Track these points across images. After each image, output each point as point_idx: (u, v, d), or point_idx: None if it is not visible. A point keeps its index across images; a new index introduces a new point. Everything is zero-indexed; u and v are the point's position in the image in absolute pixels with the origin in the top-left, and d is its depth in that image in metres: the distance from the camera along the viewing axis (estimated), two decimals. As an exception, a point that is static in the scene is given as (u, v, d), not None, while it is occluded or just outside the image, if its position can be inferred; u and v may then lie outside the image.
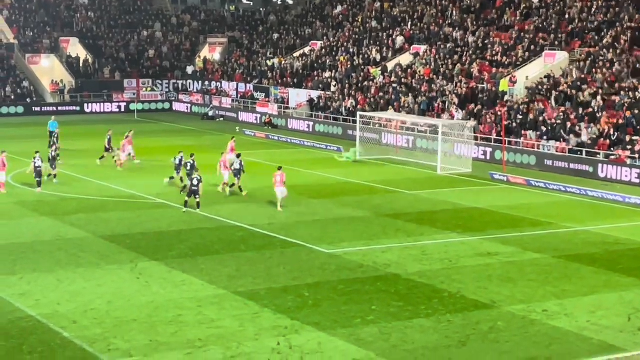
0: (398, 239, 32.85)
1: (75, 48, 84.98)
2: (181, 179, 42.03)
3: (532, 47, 61.51)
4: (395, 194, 42.42)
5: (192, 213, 36.63)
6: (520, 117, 53.30)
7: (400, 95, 62.45)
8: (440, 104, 59.16)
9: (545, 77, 57.30)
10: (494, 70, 60.82)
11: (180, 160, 42.16)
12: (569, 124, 50.18)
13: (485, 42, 65.36)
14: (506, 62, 61.30)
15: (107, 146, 49.92)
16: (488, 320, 23.50)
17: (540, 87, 56.22)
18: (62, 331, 22.10)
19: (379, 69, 68.81)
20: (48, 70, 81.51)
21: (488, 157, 52.05)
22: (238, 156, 41.24)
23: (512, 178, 45.67)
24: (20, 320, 22.92)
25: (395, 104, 61.68)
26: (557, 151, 49.61)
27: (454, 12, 71.84)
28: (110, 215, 36.20)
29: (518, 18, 66.19)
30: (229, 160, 41.73)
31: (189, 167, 40.37)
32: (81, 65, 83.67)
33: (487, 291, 26.20)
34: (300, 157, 52.52)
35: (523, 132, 52.24)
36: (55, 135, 51.50)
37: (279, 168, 38.76)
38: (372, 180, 45.78)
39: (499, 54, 62.64)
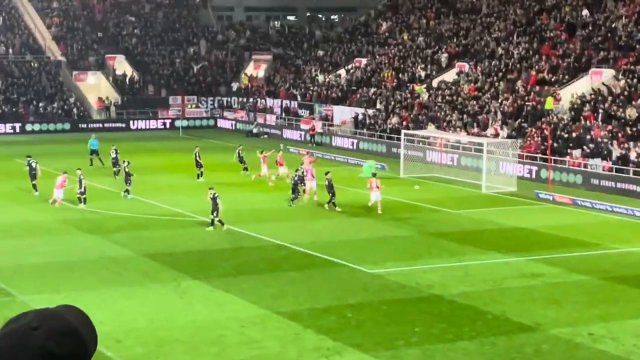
0: (441, 258, 32.63)
1: (121, 65, 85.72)
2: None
3: (578, 63, 60.99)
4: (439, 212, 42.17)
5: (234, 231, 36.65)
6: (566, 135, 52.83)
7: (445, 112, 62.20)
8: (485, 121, 58.83)
9: (591, 94, 56.77)
10: (539, 87, 60.39)
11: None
12: (615, 143, 49.64)
13: (531, 58, 64.93)
14: (552, 79, 60.85)
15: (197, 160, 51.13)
16: (532, 344, 23.23)
17: (586, 104, 55.69)
18: (106, 350, 22.15)
19: (424, 86, 68.63)
20: (94, 87, 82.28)
21: (533, 176, 51.61)
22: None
23: (558, 197, 45.22)
24: (63, 339, 23.00)
25: (439, 121, 61.44)
26: (603, 170, 49.08)
27: (500, 28, 71.53)
28: (153, 233, 36.34)
29: (564, 34, 65.69)
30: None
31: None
32: (127, 82, 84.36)
33: (532, 313, 25.91)
34: (343, 175, 52.29)
35: (569, 150, 51.76)
36: (114, 155, 51.59)
37: (374, 175, 43.57)
38: (415, 198, 45.55)
39: (545, 71, 62.19)
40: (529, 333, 24.09)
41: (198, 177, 50.01)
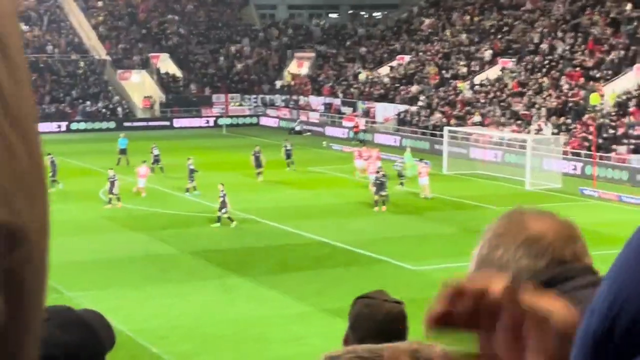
0: (485, 256, 32.48)
1: (165, 63, 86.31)
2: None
3: (623, 59, 60.53)
4: (483, 209, 42.02)
5: (278, 228, 36.85)
6: (612, 131, 52.44)
7: (488, 109, 62.00)
8: (529, 117, 58.55)
9: (636, 89, 56.30)
10: (584, 82, 59.98)
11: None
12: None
13: (576, 54, 64.51)
14: (597, 75, 60.41)
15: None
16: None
17: (631, 100, 55.25)
18: (152, 346, 22.43)
19: (467, 82, 68.44)
20: (138, 86, 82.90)
21: (578, 172, 51.29)
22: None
23: (603, 194, 44.91)
24: (110, 336, 23.28)
25: (483, 118, 61.26)
26: (649, 166, 48.72)
27: (543, 24, 71.14)
28: (198, 231, 36.62)
29: (609, 29, 65.20)
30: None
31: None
32: (171, 80, 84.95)
33: (577, 310, 25.78)
34: (387, 172, 52.22)
35: (614, 146, 51.39)
36: (156, 152, 52.04)
37: (421, 159, 47.40)
38: (459, 195, 45.44)
39: (590, 67, 61.76)
40: (574, 330, 23.99)
41: (258, 177, 49.33)
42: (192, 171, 44.50)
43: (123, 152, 54.37)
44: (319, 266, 30.95)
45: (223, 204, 37.35)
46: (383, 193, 41.08)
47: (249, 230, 36.76)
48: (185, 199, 43.75)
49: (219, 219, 37.45)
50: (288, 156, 53.46)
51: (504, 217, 2.43)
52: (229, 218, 37.41)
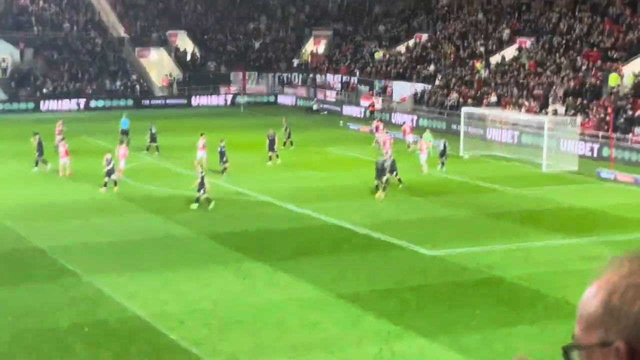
0: (502, 240, 32.62)
1: (183, 42, 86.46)
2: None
3: (642, 40, 60.27)
4: (499, 192, 42.08)
5: (295, 211, 37.02)
6: (630, 112, 52.27)
7: (505, 89, 61.87)
8: (546, 98, 58.40)
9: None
10: (602, 63, 59.73)
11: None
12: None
13: (594, 34, 64.21)
14: (615, 56, 60.15)
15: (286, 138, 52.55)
16: (593, 329, 23.21)
17: (650, 81, 55.06)
18: (169, 332, 22.63)
19: (484, 62, 68.25)
20: (156, 64, 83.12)
21: (595, 154, 51.22)
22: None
23: (620, 176, 44.86)
24: (129, 320, 23.57)
25: (499, 98, 61.14)
26: (667, 148, 48.58)
27: (561, 4, 70.79)
28: (216, 213, 36.77)
29: (627, 9, 64.83)
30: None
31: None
32: (188, 58, 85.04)
33: (592, 297, 25.85)
34: (402, 153, 52.33)
35: (631, 128, 51.24)
36: (154, 130, 52.02)
37: (421, 136, 48.97)
38: (475, 177, 45.48)
39: (608, 47, 61.47)
40: (589, 318, 24.07)
41: (270, 160, 48.76)
42: (223, 154, 44.30)
43: (125, 132, 53.80)
44: (336, 250, 31.08)
45: (201, 185, 37.53)
46: (384, 178, 40.10)
47: (266, 213, 36.91)
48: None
49: (197, 200, 37.61)
50: (289, 136, 53.47)
51: (633, 261, 2.32)
52: (207, 199, 37.58)
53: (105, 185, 40.46)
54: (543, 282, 27.36)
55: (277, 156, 48.63)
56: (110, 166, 40.39)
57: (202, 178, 37.57)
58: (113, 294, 25.70)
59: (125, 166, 44.37)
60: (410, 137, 54.30)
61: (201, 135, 47.57)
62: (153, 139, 51.63)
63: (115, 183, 40.57)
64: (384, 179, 39.92)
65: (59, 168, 44.58)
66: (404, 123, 61.68)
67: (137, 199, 39.28)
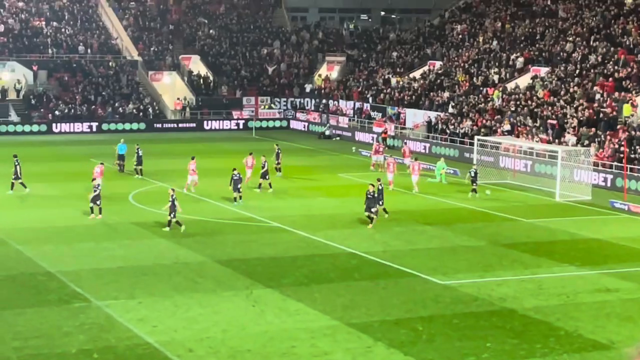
0: (514, 270, 32.39)
1: (196, 65, 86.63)
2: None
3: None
4: (512, 221, 41.85)
5: (306, 238, 36.85)
6: (643, 143, 52.07)
7: (519, 118, 61.71)
8: (560, 127, 58.19)
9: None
10: (617, 94, 59.54)
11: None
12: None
13: (608, 63, 64.05)
14: (629, 86, 59.96)
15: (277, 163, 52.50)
16: (606, 363, 22.99)
17: (664, 112, 54.84)
18: (178, 360, 22.47)
19: (499, 90, 68.12)
20: (169, 87, 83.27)
21: (608, 184, 50.95)
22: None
23: (633, 207, 44.56)
24: (137, 347, 23.38)
25: (513, 127, 60.96)
26: (681, 179, 48.29)
27: (576, 33, 70.74)
28: (227, 239, 36.64)
29: (642, 40, 64.78)
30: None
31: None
32: (201, 82, 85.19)
33: (606, 330, 25.62)
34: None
35: (645, 158, 51.00)
36: (140, 153, 51.91)
37: (415, 159, 50.08)
38: (488, 206, 45.26)
39: (622, 77, 61.29)
40: (602, 351, 23.83)
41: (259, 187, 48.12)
42: (237, 181, 43.76)
43: (122, 157, 53.20)
44: (347, 278, 30.88)
45: (172, 208, 37.50)
46: (373, 209, 39.28)
47: (277, 240, 36.73)
48: (215, 205, 43.79)
49: (169, 223, 37.66)
50: (278, 161, 53.28)
51: None
52: (177, 222, 37.59)
53: (92, 211, 40.06)
54: (555, 314, 27.10)
55: (270, 185, 48.03)
56: (97, 192, 39.97)
57: (173, 201, 37.59)
58: (122, 320, 25.53)
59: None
60: (407, 160, 54.89)
61: (192, 158, 47.59)
62: (139, 162, 51.47)
63: (100, 210, 40.05)
64: (374, 210, 39.31)
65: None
66: (405, 144, 61.91)
67: (147, 224, 39.15)
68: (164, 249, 34.75)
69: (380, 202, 40.55)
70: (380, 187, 40.57)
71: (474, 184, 48.08)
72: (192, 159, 47.54)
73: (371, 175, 52.66)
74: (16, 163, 45.79)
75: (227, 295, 28.40)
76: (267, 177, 47.88)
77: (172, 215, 37.57)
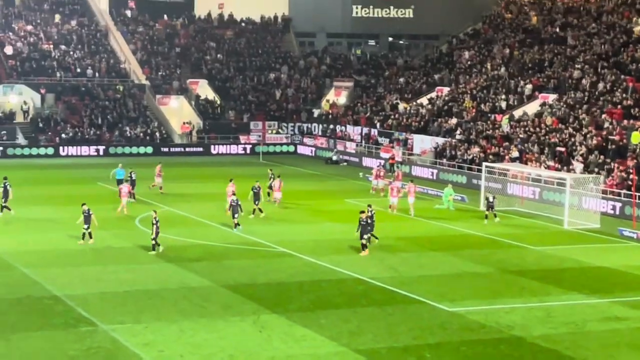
0: (522, 298, 32.19)
1: (203, 89, 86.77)
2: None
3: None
4: (520, 248, 41.66)
5: (313, 263, 36.70)
6: (652, 171, 51.84)
7: (527, 145, 61.60)
8: (568, 154, 58.07)
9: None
10: (625, 121, 59.42)
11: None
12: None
13: (617, 91, 63.98)
14: (638, 114, 59.85)
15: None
16: (616, 393, 22.76)
17: (672, 140, 54.64)
18: (184, 385, 22.29)
19: (507, 117, 68.04)
20: (177, 111, 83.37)
21: (617, 212, 50.75)
22: None
23: (642, 235, 44.40)
24: (143, 372, 23.25)
25: (521, 153, 60.85)
26: (689, 208, 48.05)
27: (584, 60, 70.76)
28: (233, 263, 36.52)
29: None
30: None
31: None
32: (209, 106, 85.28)
33: (616, 359, 25.40)
34: (422, 206, 52.07)
35: (654, 186, 50.78)
36: (133, 177, 52.19)
37: (411, 181, 51.08)
38: (496, 233, 45.09)
39: (631, 104, 61.19)
40: (612, 381, 23.62)
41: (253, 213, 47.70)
42: (236, 207, 43.46)
43: (120, 182, 52.47)
44: (354, 304, 30.71)
45: (155, 230, 37.66)
46: (366, 236, 38.72)
47: (284, 265, 36.60)
48: (221, 230, 43.68)
49: (153, 247, 37.77)
50: (271, 186, 53.02)
51: None
52: (156, 243, 37.76)
53: (83, 237, 39.65)
54: (564, 342, 26.90)
55: (261, 210, 47.56)
56: (83, 218, 39.61)
57: (156, 224, 37.68)
58: (129, 344, 25.38)
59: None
60: (381, 182, 56.46)
61: (126, 181, 48.04)
62: (133, 185, 51.56)
63: (91, 235, 39.69)
64: (366, 237, 38.80)
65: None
66: (398, 167, 63.91)
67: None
68: (171, 273, 34.62)
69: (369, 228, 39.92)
70: (370, 213, 40.22)
71: (492, 210, 48.14)
72: (231, 181, 48.31)
73: (376, 201, 52.63)
74: (6, 186, 45.76)
75: (233, 320, 28.24)
76: (257, 202, 47.54)
77: (154, 237, 37.73)
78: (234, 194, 44.21)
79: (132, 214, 46.75)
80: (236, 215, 43.21)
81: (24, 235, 41.35)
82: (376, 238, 40.79)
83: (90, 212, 39.03)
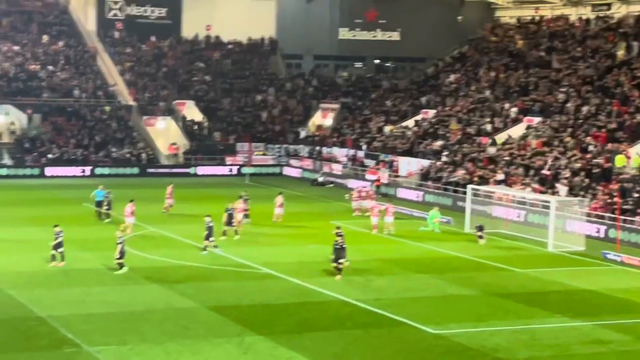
0: (507, 321, 32.28)
1: (190, 111, 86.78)
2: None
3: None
4: (505, 271, 41.79)
5: (299, 285, 36.71)
6: (636, 195, 52.09)
7: (512, 167, 61.84)
8: (553, 177, 58.32)
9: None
10: (610, 145, 59.75)
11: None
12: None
13: (601, 114, 64.38)
14: (622, 137, 60.22)
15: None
16: (600, 416, 22.83)
17: (657, 163, 54.98)
18: (169, 408, 22.25)
19: (491, 140, 68.33)
20: (163, 132, 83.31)
21: (602, 235, 50.94)
22: None
23: (626, 258, 44.56)
24: (128, 394, 23.20)
25: (506, 176, 61.05)
26: (673, 231, 48.29)
27: (570, 83, 71.18)
28: (218, 285, 36.52)
29: (635, 91, 65.05)
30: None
31: None
32: (195, 128, 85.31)
33: (599, 383, 25.53)
34: (408, 229, 52.22)
35: (638, 210, 51.03)
36: (110, 197, 52.09)
37: (389, 200, 52.92)
38: (481, 255, 45.21)
39: (615, 128, 61.56)
40: (596, 404, 23.71)
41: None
42: (210, 228, 43.36)
43: (99, 204, 52.57)
44: (340, 326, 30.74)
45: (121, 250, 37.91)
46: (341, 260, 38.20)
47: (269, 286, 36.62)
48: (207, 251, 43.63)
49: (120, 266, 38.10)
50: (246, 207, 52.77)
51: None
52: (119, 264, 38.01)
53: (53, 258, 39.29)
54: (549, 365, 26.99)
55: (236, 232, 47.37)
56: (58, 240, 39.35)
57: (122, 244, 37.87)
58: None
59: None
60: (370, 202, 56.67)
61: (130, 201, 48.06)
62: (108, 206, 51.60)
63: (62, 257, 39.35)
64: (342, 261, 38.29)
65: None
66: (371, 187, 65.20)
67: (139, 269, 38.97)
68: (156, 294, 34.60)
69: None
70: (340, 235, 39.82)
71: (481, 231, 49.02)
72: (240, 197, 50.80)
73: (359, 222, 52.87)
74: None
75: (218, 342, 28.24)
76: (232, 224, 47.44)
77: (119, 257, 37.94)
78: (208, 216, 44.01)
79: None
80: (211, 239, 43.07)
81: (9, 256, 41.22)
82: (347, 260, 40.20)
83: (60, 235, 38.81)
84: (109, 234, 46.30)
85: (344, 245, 38.60)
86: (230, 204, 48.74)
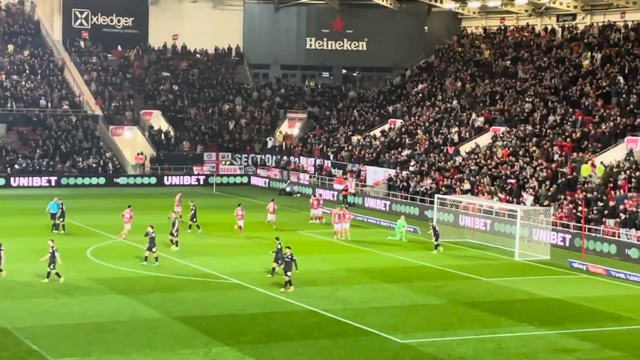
0: (473, 330, 32.38)
1: (157, 120, 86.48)
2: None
3: (614, 131, 60.78)
4: (472, 280, 41.93)
5: (266, 295, 36.67)
6: (601, 204, 52.49)
7: (478, 177, 62.15)
8: (518, 187, 58.65)
9: (626, 161, 56.47)
10: (575, 154, 60.19)
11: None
12: (650, 213, 49.30)
13: (566, 124, 64.86)
14: (587, 147, 60.67)
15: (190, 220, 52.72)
16: None
17: (621, 172, 55.38)
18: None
19: (458, 149, 68.63)
20: (130, 142, 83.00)
21: (567, 244, 51.28)
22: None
23: (591, 267, 44.86)
24: (93, 406, 23.05)
25: (473, 185, 61.34)
26: (638, 240, 48.66)
27: (535, 93, 71.66)
28: (185, 295, 36.37)
29: (600, 101, 65.60)
30: None
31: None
32: (162, 137, 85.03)
33: (565, 391, 25.65)
34: (375, 238, 52.32)
35: (603, 219, 51.42)
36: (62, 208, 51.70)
37: (346, 208, 54.99)
38: (447, 265, 45.35)
39: (580, 138, 62.02)
40: (561, 412, 23.81)
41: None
42: (152, 239, 42.62)
43: (54, 216, 51.84)
44: (306, 336, 30.71)
45: (52, 260, 37.80)
46: (289, 272, 37.49)
47: (236, 296, 36.52)
48: (173, 262, 43.46)
49: (48, 275, 37.94)
50: (193, 217, 53.06)
51: None
52: (57, 274, 37.81)
53: (48, 276, 38.59)
54: (515, 374, 27.09)
55: (198, 227, 51.13)
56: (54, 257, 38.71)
57: (53, 253, 37.77)
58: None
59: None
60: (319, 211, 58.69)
61: (128, 207, 49.29)
62: (62, 216, 51.42)
63: (59, 274, 38.52)
64: (290, 273, 37.55)
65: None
66: (314, 195, 66.63)
67: (105, 280, 38.78)
68: (122, 305, 34.40)
69: (279, 262, 39.38)
70: (279, 247, 39.74)
71: (437, 240, 49.07)
72: (239, 205, 53.27)
73: (322, 231, 52.84)
74: None
75: (185, 353, 28.11)
76: (175, 234, 47.18)
77: (51, 267, 37.77)
78: (151, 227, 43.63)
79: (84, 246, 46.44)
80: (154, 249, 42.66)
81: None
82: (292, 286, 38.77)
83: (55, 250, 38.20)
84: (75, 245, 46.16)
85: (293, 258, 37.88)
86: (174, 213, 49.45)
